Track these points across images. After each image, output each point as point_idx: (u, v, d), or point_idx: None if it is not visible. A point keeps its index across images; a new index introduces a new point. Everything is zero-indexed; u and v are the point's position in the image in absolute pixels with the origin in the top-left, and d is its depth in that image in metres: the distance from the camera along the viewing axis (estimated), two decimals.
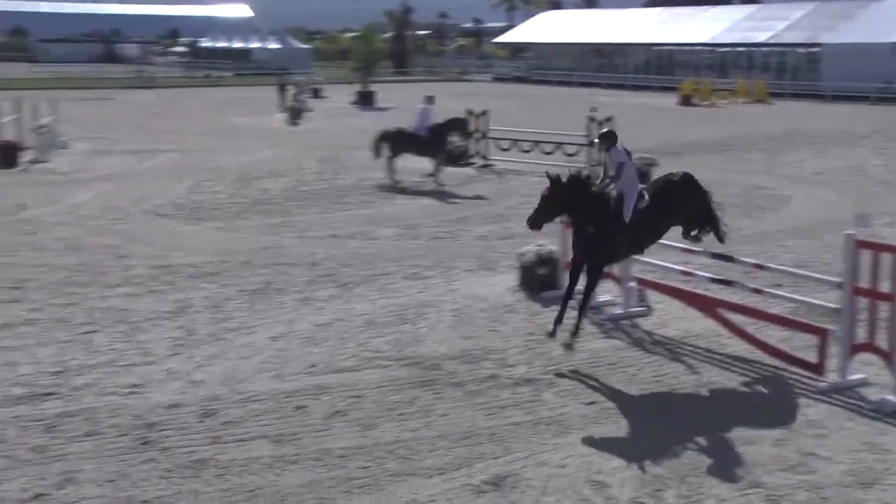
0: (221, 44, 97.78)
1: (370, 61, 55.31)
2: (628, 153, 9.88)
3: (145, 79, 65.52)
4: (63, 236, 15.74)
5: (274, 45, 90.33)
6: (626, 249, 10.02)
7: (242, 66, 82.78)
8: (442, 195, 20.20)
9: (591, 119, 22.92)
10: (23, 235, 15.80)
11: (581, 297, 9.82)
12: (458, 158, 23.53)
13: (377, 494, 6.90)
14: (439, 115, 21.85)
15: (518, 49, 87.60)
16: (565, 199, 9.37)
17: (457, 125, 21.99)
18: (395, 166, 21.24)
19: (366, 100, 48.60)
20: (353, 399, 8.67)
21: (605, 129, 10.48)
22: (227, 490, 6.94)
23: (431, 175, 21.17)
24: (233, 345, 10.23)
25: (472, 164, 23.46)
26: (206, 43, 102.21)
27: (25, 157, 24.71)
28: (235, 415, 8.27)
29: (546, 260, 12.29)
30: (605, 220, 9.52)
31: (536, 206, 9.44)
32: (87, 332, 10.62)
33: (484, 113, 24.38)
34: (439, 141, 21.39)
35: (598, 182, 9.82)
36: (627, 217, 9.59)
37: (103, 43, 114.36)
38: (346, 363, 9.65)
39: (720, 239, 10.70)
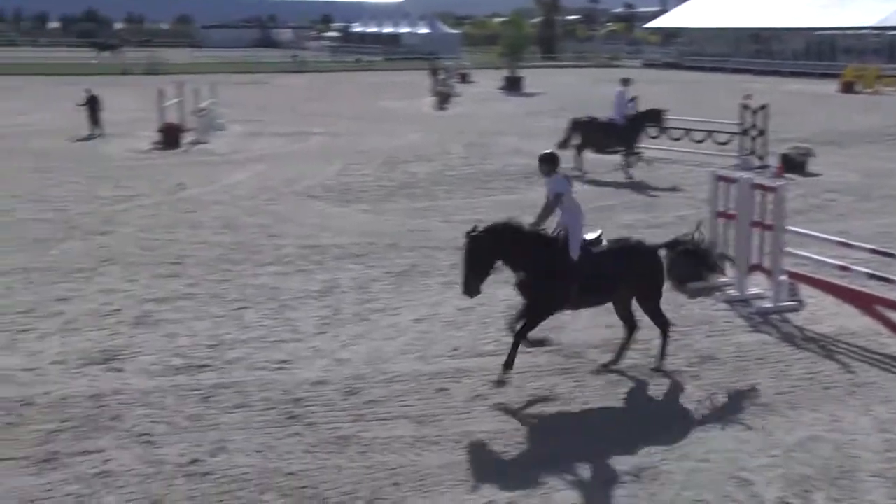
0: (372, 29, 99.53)
1: (518, 46, 55.23)
2: (569, 181, 8.90)
3: (299, 63, 67.37)
4: (219, 215, 16.41)
5: (423, 30, 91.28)
6: (578, 295, 8.59)
7: (392, 51, 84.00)
8: (591, 182, 19.98)
9: (745, 107, 22.18)
10: (183, 213, 16.56)
11: (519, 327, 8.62)
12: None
13: (515, 480, 6.91)
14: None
15: (670, 34, 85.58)
16: (491, 251, 8.20)
17: (654, 116, 21.12)
18: (582, 157, 20.56)
19: (513, 85, 48.54)
20: (494, 384, 8.71)
21: (546, 152, 8.94)
22: (369, 467, 7.11)
23: (626, 166, 20.59)
24: (378, 325, 10.44)
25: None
26: (357, 28, 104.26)
27: (187, 138, 25.87)
28: (379, 394, 8.44)
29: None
30: (548, 259, 8.37)
31: (463, 269, 8.29)
32: (240, 308, 11.05)
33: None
34: (636, 131, 20.70)
35: (534, 220, 8.61)
36: (575, 253, 8.44)
37: (260, 28, 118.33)
38: (488, 347, 9.70)
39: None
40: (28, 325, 10.34)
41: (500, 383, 8.60)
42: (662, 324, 9.16)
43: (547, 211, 8.67)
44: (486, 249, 8.18)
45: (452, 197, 18.36)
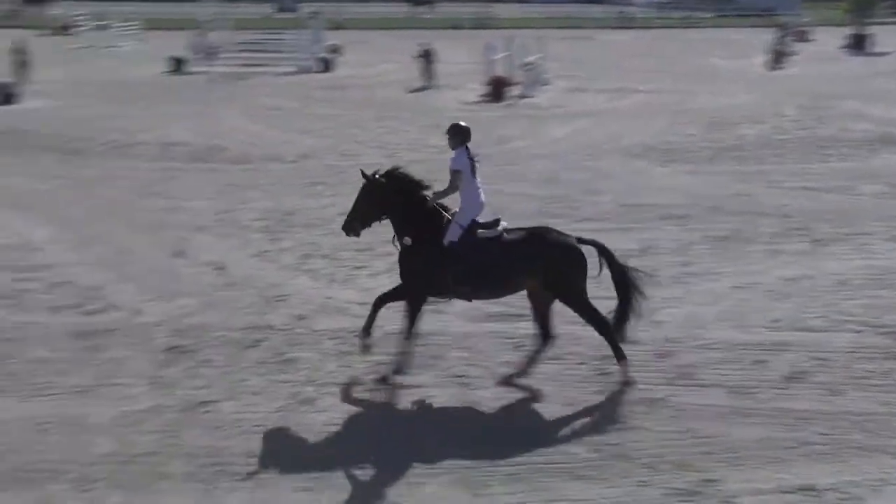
0: None
1: (867, 1, 50.79)
2: (472, 160, 7.81)
3: (625, 19, 66.45)
4: (540, 168, 16.69)
5: None
6: (453, 283, 7.76)
7: (724, 8, 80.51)
8: None
9: None
10: (505, 166, 16.98)
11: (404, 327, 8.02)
12: None
13: (838, 465, 6.52)
14: None
15: None
16: (384, 201, 7.79)
17: None
18: None
19: (858, 43, 44.85)
20: (818, 361, 8.24)
21: (456, 123, 8.10)
22: (680, 432, 7.00)
23: None
24: (694, 290, 10.19)
25: None
26: None
27: (512, 91, 26.46)
28: (692, 360, 8.26)
29: None
30: (425, 237, 7.75)
31: (353, 206, 7.94)
32: None
33: None
34: None
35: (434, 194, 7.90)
36: (449, 239, 7.70)
37: None
38: (813, 323, 9.17)
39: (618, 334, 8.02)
40: (363, 263, 11.16)
41: (365, 348, 8.18)
42: (599, 322, 7.99)
43: (448, 189, 7.90)
44: (379, 197, 7.82)
45: (783, 162, 17.41)
